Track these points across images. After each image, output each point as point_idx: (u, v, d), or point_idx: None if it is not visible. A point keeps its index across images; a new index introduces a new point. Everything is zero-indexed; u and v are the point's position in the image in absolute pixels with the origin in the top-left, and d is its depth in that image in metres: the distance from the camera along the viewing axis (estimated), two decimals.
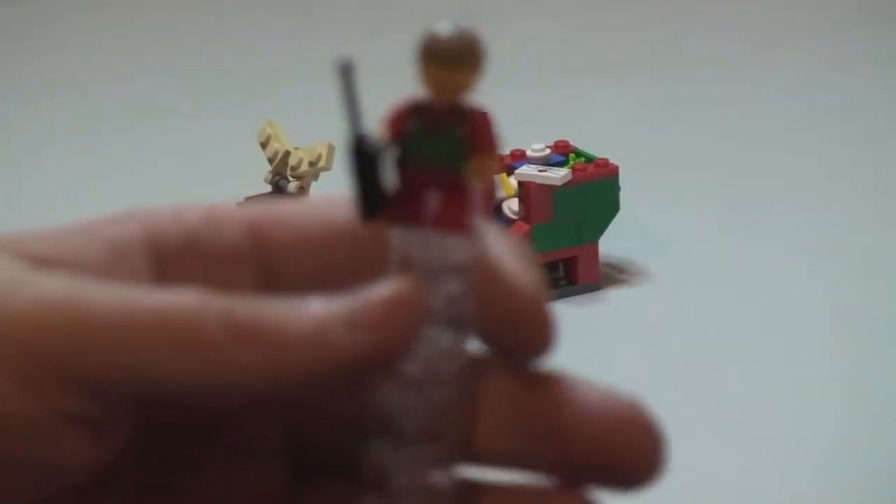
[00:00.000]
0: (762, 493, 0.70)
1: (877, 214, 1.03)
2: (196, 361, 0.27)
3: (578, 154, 0.91)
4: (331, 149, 0.85)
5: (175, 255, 0.30)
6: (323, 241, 0.30)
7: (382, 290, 0.27)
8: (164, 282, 0.29)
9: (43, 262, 0.29)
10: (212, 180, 1.04)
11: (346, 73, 0.27)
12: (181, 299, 0.27)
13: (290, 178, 0.87)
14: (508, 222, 0.89)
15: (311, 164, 0.86)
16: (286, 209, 0.31)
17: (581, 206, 0.89)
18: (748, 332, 0.86)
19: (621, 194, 0.91)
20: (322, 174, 0.87)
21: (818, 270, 0.94)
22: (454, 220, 0.27)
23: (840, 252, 0.97)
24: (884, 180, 1.07)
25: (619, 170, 0.90)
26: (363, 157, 0.27)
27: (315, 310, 0.27)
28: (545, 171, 0.88)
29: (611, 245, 0.91)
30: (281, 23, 1.38)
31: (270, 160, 0.87)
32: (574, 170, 0.89)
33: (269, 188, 0.88)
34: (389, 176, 0.27)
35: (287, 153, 0.86)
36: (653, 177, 1.01)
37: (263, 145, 0.87)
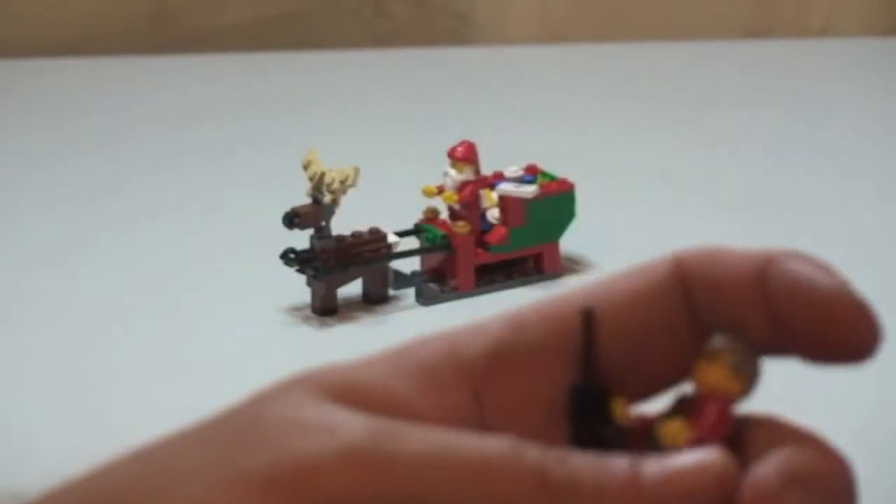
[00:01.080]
0: None
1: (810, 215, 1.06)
2: None
3: (544, 174, 0.95)
4: (356, 170, 0.89)
5: (485, 368, 0.27)
6: (640, 307, 0.27)
7: (691, 459, 0.25)
8: (475, 398, 0.27)
9: (350, 394, 0.26)
10: (266, 192, 1.06)
11: (588, 320, 0.26)
12: (494, 449, 0.25)
13: (326, 193, 0.89)
14: (491, 226, 0.94)
15: (342, 182, 0.89)
16: (598, 292, 0.27)
17: (546, 213, 0.94)
18: None
19: (577, 205, 0.95)
20: (349, 190, 0.90)
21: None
22: None
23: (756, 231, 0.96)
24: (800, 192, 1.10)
25: (575, 186, 0.95)
26: (583, 406, 0.25)
27: (624, 473, 0.25)
28: (519, 187, 0.93)
29: (569, 243, 0.97)
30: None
31: (311, 179, 0.89)
32: (541, 186, 0.93)
33: (308, 199, 0.90)
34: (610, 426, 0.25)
35: (323, 174, 0.89)
36: (600, 191, 1.05)
37: (305, 167, 0.89)
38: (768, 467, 0.25)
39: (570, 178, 0.96)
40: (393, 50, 1.48)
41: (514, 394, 0.27)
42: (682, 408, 0.26)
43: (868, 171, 1.16)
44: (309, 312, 0.92)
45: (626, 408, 0.26)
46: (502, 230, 0.94)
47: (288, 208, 0.89)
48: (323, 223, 0.91)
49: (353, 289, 0.93)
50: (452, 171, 0.94)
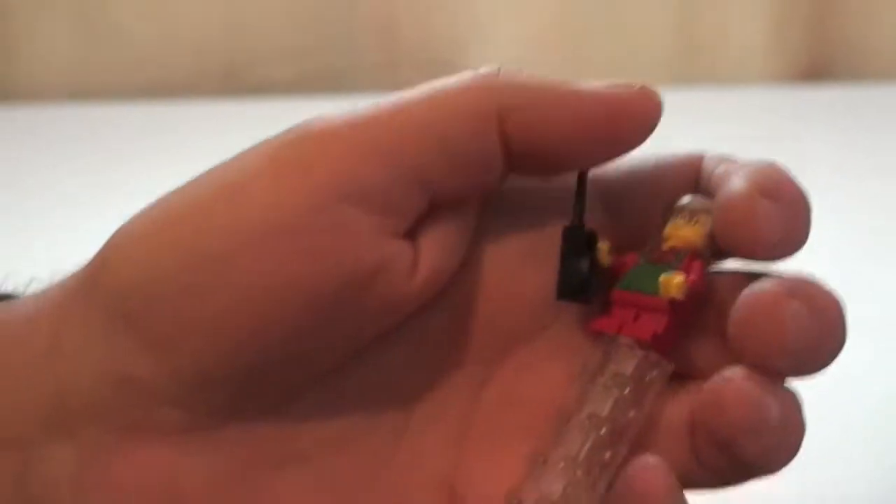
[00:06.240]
0: None
1: None
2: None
3: None
4: None
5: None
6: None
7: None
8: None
9: None
10: None
11: (583, 178, 0.27)
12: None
13: None
14: None
15: None
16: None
17: None
18: None
19: None
20: None
21: None
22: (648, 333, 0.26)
23: None
24: None
25: None
26: (574, 242, 0.26)
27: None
28: None
29: None
30: None
31: None
32: None
33: None
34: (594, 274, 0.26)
35: None
36: None
37: None
38: (766, 283, 0.24)
39: None
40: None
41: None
42: (653, 256, 0.26)
43: None
44: None
45: (609, 250, 0.27)
46: None
47: None
48: None
49: None
50: None
